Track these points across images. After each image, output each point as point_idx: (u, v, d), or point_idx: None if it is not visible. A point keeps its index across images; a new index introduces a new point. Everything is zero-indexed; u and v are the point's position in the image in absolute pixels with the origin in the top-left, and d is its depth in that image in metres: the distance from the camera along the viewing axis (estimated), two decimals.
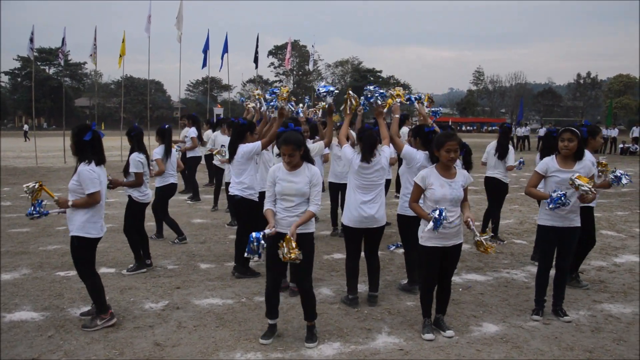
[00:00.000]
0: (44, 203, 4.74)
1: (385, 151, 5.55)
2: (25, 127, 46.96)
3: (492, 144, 8.45)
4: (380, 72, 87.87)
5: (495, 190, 8.40)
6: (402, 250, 6.90)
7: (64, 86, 36.24)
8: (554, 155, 5.26)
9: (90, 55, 21.85)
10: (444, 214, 4.36)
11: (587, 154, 5.60)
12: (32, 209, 4.67)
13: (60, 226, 9.09)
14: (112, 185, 5.89)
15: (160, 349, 4.39)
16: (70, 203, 4.62)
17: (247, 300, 5.58)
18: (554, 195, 4.90)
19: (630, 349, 4.54)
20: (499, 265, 7.07)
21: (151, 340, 4.59)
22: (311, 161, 4.70)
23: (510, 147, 8.37)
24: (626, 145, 30.52)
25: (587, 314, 5.37)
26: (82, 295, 5.68)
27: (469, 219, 4.50)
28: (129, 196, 6.69)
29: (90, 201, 4.63)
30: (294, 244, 4.18)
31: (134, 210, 6.71)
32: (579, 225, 5.19)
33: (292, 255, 4.14)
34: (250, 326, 4.88)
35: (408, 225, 5.59)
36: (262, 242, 4.21)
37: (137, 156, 6.54)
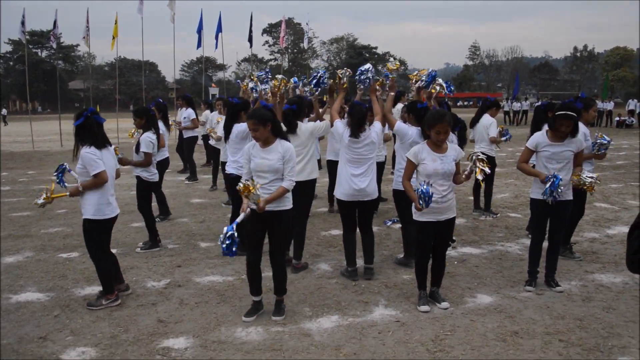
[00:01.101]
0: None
1: (376, 126, 5.63)
2: (4, 111, 46.90)
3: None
4: (376, 48, 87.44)
5: None
6: (398, 225, 7.02)
7: (57, 69, 35.93)
8: (545, 131, 5.33)
9: (83, 37, 21.72)
10: (425, 188, 4.54)
11: (581, 127, 5.69)
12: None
13: (61, 209, 9.18)
14: (122, 163, 6.00)
15: (163, 325, 4.51)
16: (80, 188, 4.80)
17: (244, 276, 5.69)
18: (547, 187, 5.00)
19: (619, 317, 4.68)
20: (494, 238, 7.20)
21: (154, 317, 4.71)
22: (285, 137, 4.69)
23: (491, 118, 8.40)
24: (622, 118, 30.59)
25: (578, 284, 5.50)
26: (85, 275, 5.80)
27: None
28: (138, 177, 6.80)
29: (98, 181, 4.79)
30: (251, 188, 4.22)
31: (144, 190, 6.83)
32: (571, 198, 5.28)
33: (253, 193, 4.21)
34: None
35: (404, 200, 5.69)
36: (235, 235, 4.26)
37: (148, 136, 6.60)
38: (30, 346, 4.20)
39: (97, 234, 4.93)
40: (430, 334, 4.34)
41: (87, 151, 4.77)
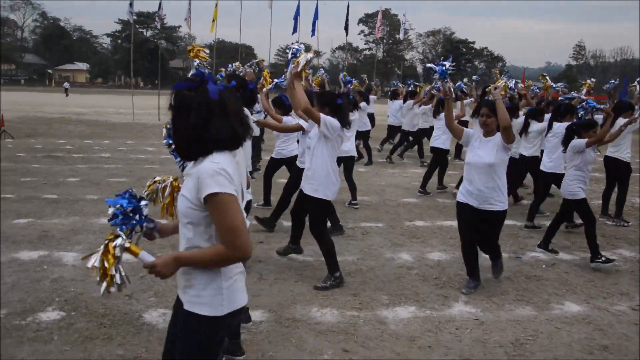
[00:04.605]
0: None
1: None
2: (66, 84, 50.74)
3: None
4: (473, 43, 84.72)
5: (615, 170, 8.05)
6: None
7: (160, 48, 37.65)
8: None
9: (185, 19, 22.56)
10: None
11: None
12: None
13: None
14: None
15: None
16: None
17: None
18: None
19: None
20: None
21: None
22: None
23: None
24: None
25: None
26: (171, 242, 6.02)
27: None
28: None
29: None
30: None
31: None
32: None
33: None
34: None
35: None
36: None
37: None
38: (116, 302, 4.44)
39: (321, 212, 5.18)
40: (510, 336, 4.15)
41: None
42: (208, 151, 2.17)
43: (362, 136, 12.38)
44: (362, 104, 11.47)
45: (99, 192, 8.42)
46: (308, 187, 5.03)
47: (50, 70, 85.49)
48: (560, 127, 6.92)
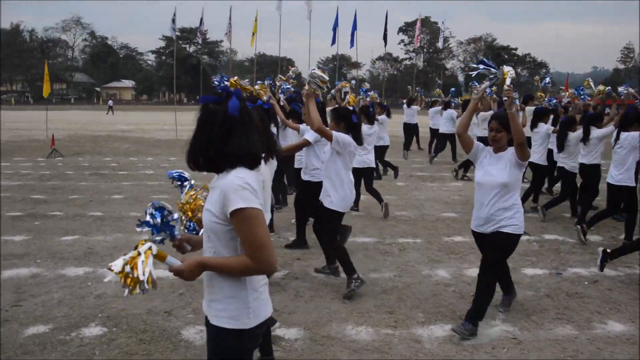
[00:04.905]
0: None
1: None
2: (110, 102, 52.89)
3: None
4: (516, 49, 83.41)
5: None
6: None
7: (202, 63, 38.52)
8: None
9: (226, 33, 23.08)
10: None
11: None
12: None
13: None
14: None
15: (277, 315, 4.65)
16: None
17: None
18: None
19: None
20: (634, 260, 6.55)
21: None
22: None
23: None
24: None
25: None
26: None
27: None
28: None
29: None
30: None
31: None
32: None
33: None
34: (364, 300, 5.02)
35: None
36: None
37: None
38: (156, 318, 4.57)
39: (331, 222, 5.36)
40: (548, 356, 4.06)
41: None
42: (230, 165, 2.23)
43: (378, 152, 11.89)
44: (381, 117, 11.13)
45: (142, 210, 8.62)
46: (324, 199, 5.25)
47: (98, 89, 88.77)
48: (628, 137, 6.73)
